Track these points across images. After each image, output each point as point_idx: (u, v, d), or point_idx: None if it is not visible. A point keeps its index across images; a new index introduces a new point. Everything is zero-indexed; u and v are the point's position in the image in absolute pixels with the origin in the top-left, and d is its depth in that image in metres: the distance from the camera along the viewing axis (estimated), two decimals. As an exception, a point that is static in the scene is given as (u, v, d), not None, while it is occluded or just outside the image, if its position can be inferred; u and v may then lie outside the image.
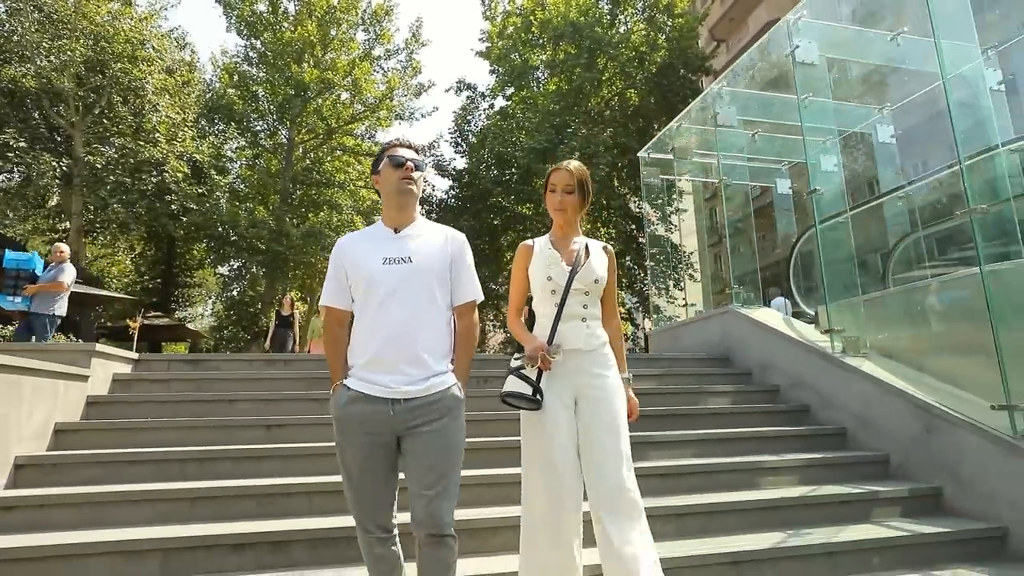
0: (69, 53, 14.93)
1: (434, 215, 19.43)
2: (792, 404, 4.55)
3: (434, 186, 20.19)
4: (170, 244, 20.16)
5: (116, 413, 3.76)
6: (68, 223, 17.42)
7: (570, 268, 2.23)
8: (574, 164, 2.29)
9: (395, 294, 1.92)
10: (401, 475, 1.94)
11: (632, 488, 2.06)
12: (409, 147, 2.08)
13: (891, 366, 4.11)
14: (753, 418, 4.37)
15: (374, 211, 20.90)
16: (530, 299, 2.40)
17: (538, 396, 2.08)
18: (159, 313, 18.63)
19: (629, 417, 2.23)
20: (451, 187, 19.61)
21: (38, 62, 14.87)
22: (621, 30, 18.70)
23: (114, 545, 2.51)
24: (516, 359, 2.18)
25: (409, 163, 2.00)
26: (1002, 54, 5.43)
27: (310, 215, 19.11)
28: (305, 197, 20.17)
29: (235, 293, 22.06)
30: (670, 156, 6.99)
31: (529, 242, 2.37)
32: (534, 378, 2.09)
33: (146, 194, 15.60)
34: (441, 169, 19.84)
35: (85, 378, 3.72)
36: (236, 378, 4.36)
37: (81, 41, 15.32)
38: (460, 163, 20.33)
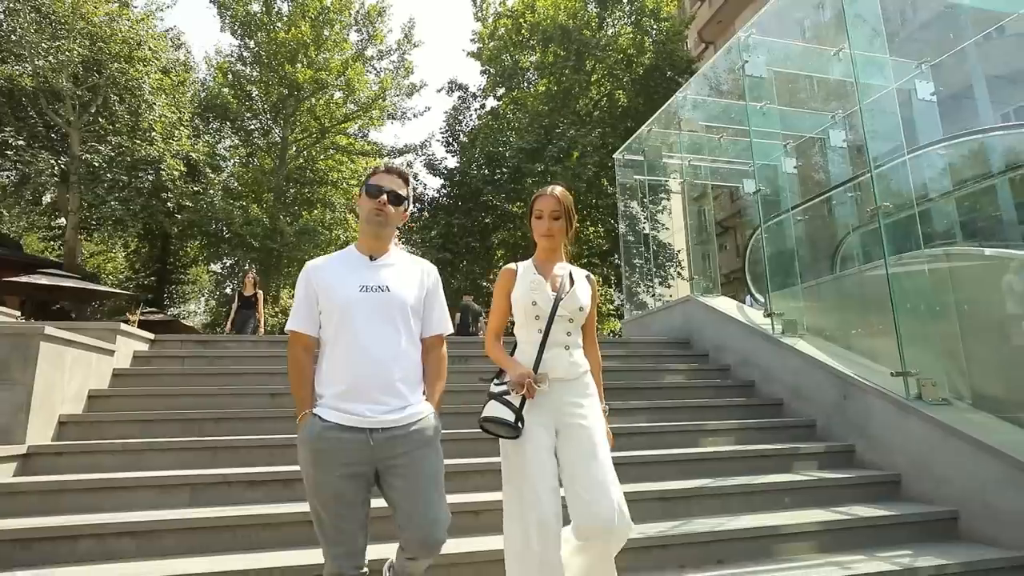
0: (67, 53, 15.38)
1: (426, 213, 20.01)
2: (739, 380, 5.17)
3: (426, 184, 20.72)
4: (164, 241, 20.63)
5: (139, 383, 4.32)
6: (64, 220, 17.88)
7: (555, 294, 2.22)
8: (559, 190, 2.31)
9: (372, 322, 1.89)
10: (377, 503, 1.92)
11: (624, 514, 2.06)
12: (396, 174, 2.07)
13: (821, 344, 4.73)
14: (704, 391, 4.98)
15: (367, 209, 21.43)
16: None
17: (519, 424, 2.05)
18: (154, 309, 19.10)
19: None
20: (443, 186, 20.16)
21: (36, 62, 15.32)
22: (609, 32, 19.31)
23: (151, 480, 3.08)
24: (497, 384, 2.15)
25: (384, 196, 1.99)
26: (936, 68, 6.06)
27: (304, 213, 19.63)
28: (299, 195, 20.69)
29: (228, 290, 22.56)
30: (642, 158, 7.61)
31: (512, 266, 2.38)
32: (517, 405, 2.06)
33: (143, 192, 16.08)
34: (433, 168, 20.41)
35: (112, 352, 4.28)
36: (242, 355, 4.93)
37: (78, 41, 15.77)
38: (451, 162, 20.90)
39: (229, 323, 8.63)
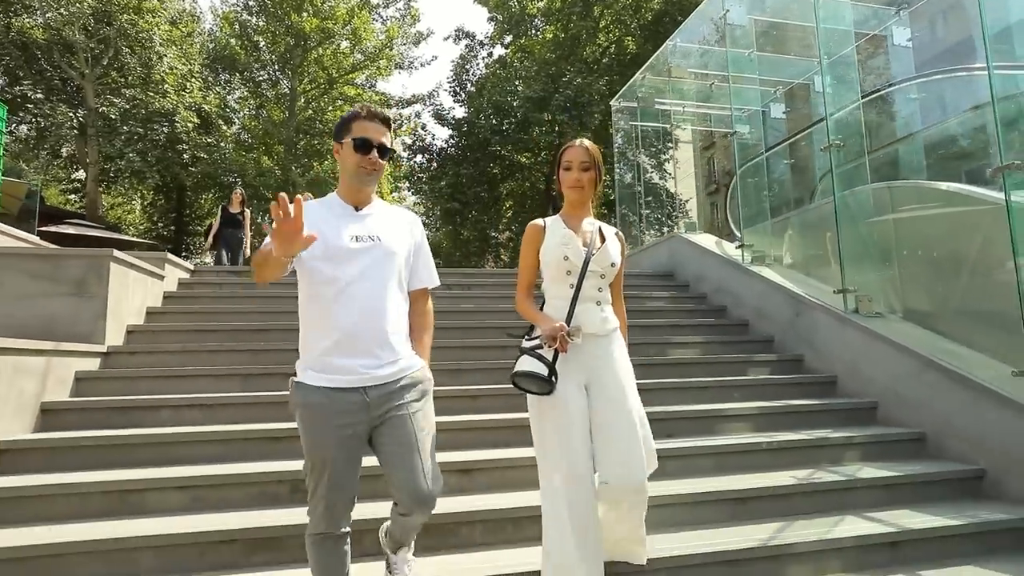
0: (77, 5, 15.75)
1: (435, 163, 20.45)
2: (713, 305, 5.83)
3: (434, 135, 21.08)
4: (180, 193, 21.34)
5: (186, 303, 5.08)
6: (84, 172, 18.62)
7: (586, 249, 2.24)
8: (587, 142, 2.31)
9: (365, 274, 1.87)
10: (369, 461, 1.93)
11: (645, 477, 2.14)
12: (380, 119, 1.95)
13: (782, 271, 5.35)
14: (679, 314, 5.66)
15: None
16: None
17: (552, 378, 2.05)
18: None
19: None
20: (451, 136, 20.51)
21: (47, 14, 15.73)
22: (617, -24, 19.15)
23: (208, 371, 3.87)
24: (529, 339, 2.17)
25: (374, 152, 1.90)
26: (914, 14, 6.41)
27: (315, 163, 20.15)
28: (308, 146, 21.15)
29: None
30: (635, 105, 8.07)
31: (539, 221, 2.36)
32: (550, 359, 2.06)
33: (158, 144, 16.70)
34: (441, 118, 20.71)
35: (162, 277, 5.03)
36: (275, 281, 5.67)
37: (89, -8, 16.12)
38: (459, 112, 21.18)
39: (211, 238, 8.21)
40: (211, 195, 20.92)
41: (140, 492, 2.77)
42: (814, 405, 3.99)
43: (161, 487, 2.79)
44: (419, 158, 20.92)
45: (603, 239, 2.31)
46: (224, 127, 18.34)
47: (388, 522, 2.16)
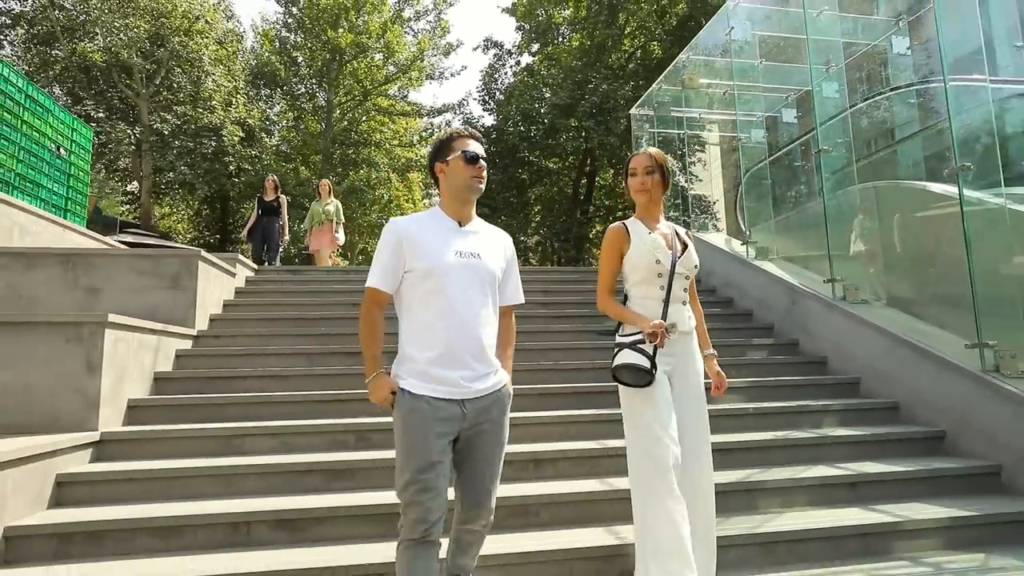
0: (135, 30, 17.17)
1: (464, 171, 21.29)
2: (720, 297, 6.42)
3: (464, 143, 21.93)
4: (223, 203, 22.71)
5: (254, 297, 5.94)
6: (137, 184, 20.09)
7: (672, 252, 2.42)
8: (652, 148, 2.51)
9: (467, 288, 1.99)
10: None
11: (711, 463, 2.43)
12: (477, 139, 2.15)
13: (783, 264, 5.92)
14: (690, 307, 6.25)
15: (408, 168, 22.92)
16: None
17: (653, 370, 2.24)
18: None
19: (718, 390, 2.61)
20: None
21: (108, 39, 17.18)
22: (642, -17, 19.72)
23: (278, 351, 4.67)
24: (626, 335, 2.33)
25: (482, 161, 2.07)
26: (913, 24, 6.89)
27: (350, 173, 21.25)
28: (344, 156, 22.29)
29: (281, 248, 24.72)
30: (652, 112, 8.69)
31: (620, 225, 2.52)
32: (651, 352, 2.24)
33: (207, 156, 17.99)
34: (471, 126, 21.59)
35: (234, 275, 5.90)
36: (324, 279, 6.51)
37: (145, 18, 17.54)
38: (488, 120, 22.02)
39: (246, 230, 8.33)
40: (252, 204, 22.22)
41: (240, 437, 3.56)
42: (803, 380, 4.58)
43: (255, 434, 3.58)
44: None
45: (683, 243, 2.50)
46: (266, 139, 19.59)
47: (448, 556, 2.20)
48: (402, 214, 24.01)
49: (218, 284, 5.47)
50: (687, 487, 2.29)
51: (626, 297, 2.50)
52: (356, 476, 3.28)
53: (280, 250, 8.46)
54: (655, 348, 2.25)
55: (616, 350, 2.32)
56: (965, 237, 3.81)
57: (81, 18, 17.56)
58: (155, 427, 3.59)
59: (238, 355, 4.63)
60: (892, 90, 5.47)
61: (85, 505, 3.00)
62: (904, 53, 6.65)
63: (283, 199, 8.49)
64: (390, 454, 3.36)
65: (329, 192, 8.77)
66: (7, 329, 3.38)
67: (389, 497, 2.94)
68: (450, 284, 1.98)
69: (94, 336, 3.49)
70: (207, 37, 18.34)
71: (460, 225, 2.11)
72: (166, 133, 17.54)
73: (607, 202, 21.74)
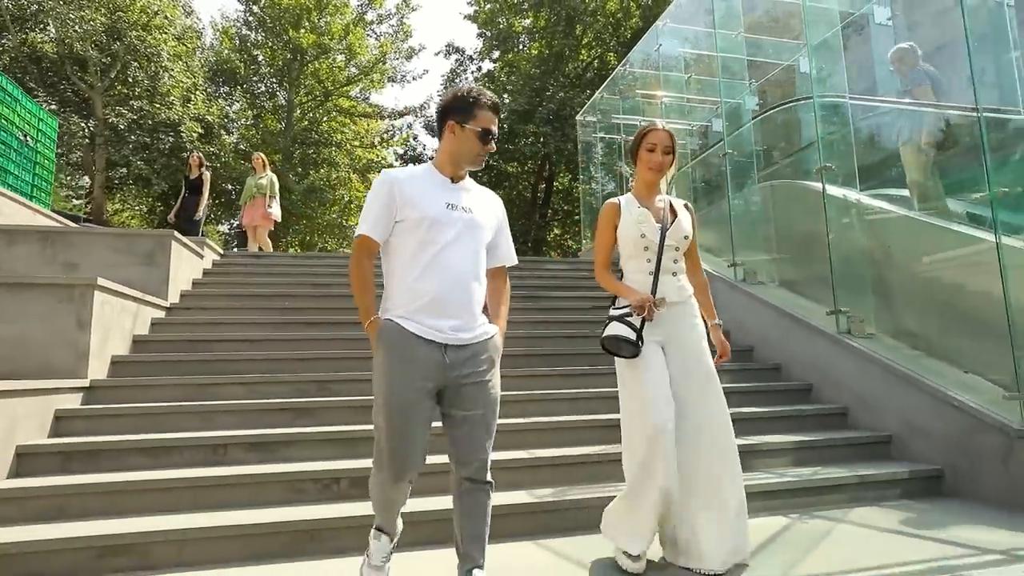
0: (91, 23, 17.24)
1: (425, 173, 21.92)
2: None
3: (424, 145, 22.59)
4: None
5: (221, 276, 6.49)
6: (89, 179, 19.99)
7: (660, 225, 2.45)
8: (669, 127, 2.53)
9: (458, 240, 2.02)
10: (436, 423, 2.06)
11: (728, 426, 2.43)
12: (495, 111, 2.14)
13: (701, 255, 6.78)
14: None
15: (369, 169, 23.41)
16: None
17: (640, 342, 2.32)
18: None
19: (721, 357, 2.61)
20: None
21: (61, 30, 17.19)
22: (598, -2, 20.84)
23: (245, 320, 5.25)
24: (617, 308, 2.41)
25: (490, 144, 2.11)
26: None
27: (311, 172, 21.62)
28: (304, 156, 22.64)
29: (235, 248, 24.82)
30: (594, 119, 9.57)
31: (614, 200, 2.59)
32: (638, 325, 2.32)
33: (164, 152, 18.13)
34: (431, 130, 22.27)
35: (202, 257, 6.43)
36: (286, 264, 7.09)
37: (101, 11, 17.62)
38: (449, 124, 22.70)
39: (173, 213, 8.35)
40: (210, 201, 22.32)
41: (215, 387, 4.16)
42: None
43: (229, 383, 4.19)
44: (411, 167, 22.45)
45: (674, 213, 2.54)
46: (225, 136, 19.82)
47: (458, 539, 2.07)
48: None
49: (188, 264, 6.00)
50: (699, 454, 2.38)
51: (622, 271, 2.59)
52: (318, 415, 3.92)
53: (200, 222, 8.38)
54: (643, 320, 2.34)
55: (607, 322, 2.42)
56: (826, 225, 4.72)
57: (33, 7, 17.53)
58: (138, 378, 4.16)
59: (209, 323, 5.20)
60: (781, 105, 6.40)
61: (81, 435, 3.56)
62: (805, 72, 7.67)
63: (206, 175, 8.44)
64: (350, 398, 4.04)
65: (264, 166, 8.62)
66: (7, 289, 3.90)
67: (349, 428, 3.63)
68: (440, 235, 2.01)
69: (84, 297, 4.04)
70: (166, 32, 18.51)
71: (453, 182, 2.15)
72: (122, 128, 17.62)
73: (565, 206, 22.70)
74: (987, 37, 4.04)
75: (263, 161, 8.70)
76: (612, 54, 20.95)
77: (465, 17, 22.75)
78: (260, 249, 8.41)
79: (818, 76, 5.65)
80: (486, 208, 2.19)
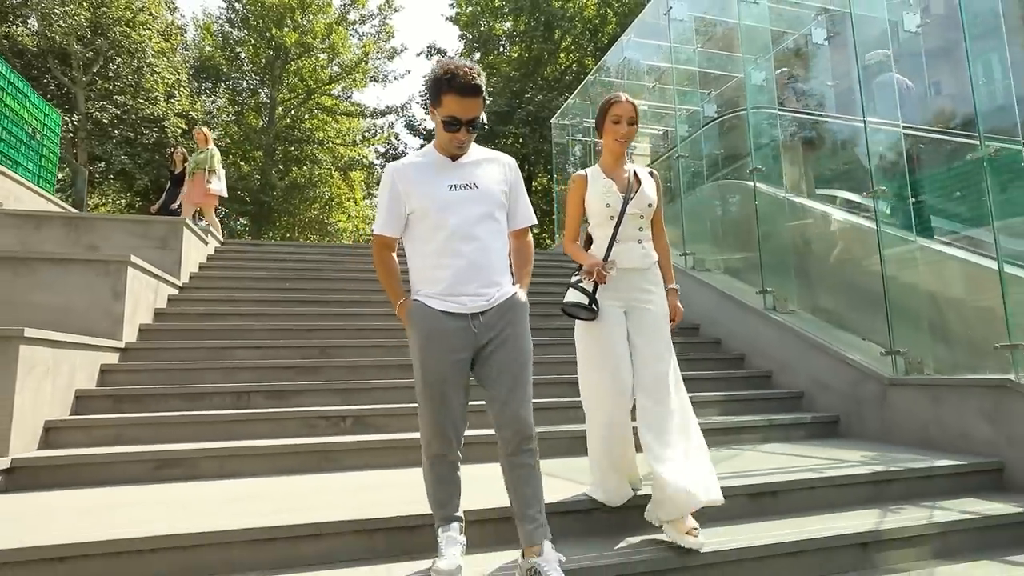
0: (75, 17, 17.64)
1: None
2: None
3: (406, 144, 23.31)
4: (160, 196, 23.11)
5: (225, 260, 7.19)
6: (71, 173, 20.30)
7: (623, 195, 2.56)
8: (630, 97, 2.60)
9: (465, 221, 2.06)
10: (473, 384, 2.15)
11: (677, 392, 2.48)
12: (471, 92, 2.01)
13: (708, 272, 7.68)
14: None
15: (351, 167, 24.05)
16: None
17: (594, 306, 2.42)
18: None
19: (673, 321, 2.65)
20: (421, 145, 22.71)
21: (47, 24, 17.55)
22: (576, 4, 21.79)
23: (251, 299, 5.98)
24: (576, 276, 2.53)
25: (460, 131, 2.05)
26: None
27: (292, 169, 22.19)
28: (286, 153, 23.19)
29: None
30: (568, 122, 10.43)
31: (581, 172, 2.69)
32: (590, 290, 2.42)
33: (148, 147, 18.57)
34: (413, 129, 23.01)
35: (207, 243, 7.12)
36: (281, 251, 7.80)
37: (84, 5, 18.02)
38: (430, 123, 23.47)
39: (158, 205, 8.48)
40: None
41: (232, 350, 4.90)
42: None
43: (243, 347, 4.92)
44: (414, 153, 23.17)
45: (639, 182, 2.63)
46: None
47: (513, 505, 2.08)
48: (343, 212, 25.04)
49: (196, 249, 6.70)
50: (655, 411, 2.41)
51: (588, 239, 2.69)
52: (322, 372, 4.69)
53: (180, 213, 8.21)
54: (595, 284, 2.45)
55: (567, 288, 2.55)
56: (756, 218, 5.62)
57: (15, 0, 17.86)
58: (163, 342, 4.87)
59: (219, 300, 5.92)
60: (729, 113, 7.28)
61: (125, 385, 4.27)
62: (761, 84, 8.61)
63: (188, 168, 8.33)
64: (347, 360, 4.80)
65: (206, 140, 8.23)
66: (55, 264, 4.59)
67: (349, 383, 4.41)
68: (449, 218, 2.06)
69: (119, 272, 4.75)
70: (150, 29, 18.96)
71: (453, 159, 2.16)
72: (105, 122, 18.03)
73: (543, 206, 23.57)
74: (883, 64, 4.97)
75: (204, 136, 8.31)
76: (590, 58, 21.90)
77: (447, 19, 23.56)
78: (210, 232, 7.61)
79: (757, 88, 6.56)
80: (493, 176, 2.20)
